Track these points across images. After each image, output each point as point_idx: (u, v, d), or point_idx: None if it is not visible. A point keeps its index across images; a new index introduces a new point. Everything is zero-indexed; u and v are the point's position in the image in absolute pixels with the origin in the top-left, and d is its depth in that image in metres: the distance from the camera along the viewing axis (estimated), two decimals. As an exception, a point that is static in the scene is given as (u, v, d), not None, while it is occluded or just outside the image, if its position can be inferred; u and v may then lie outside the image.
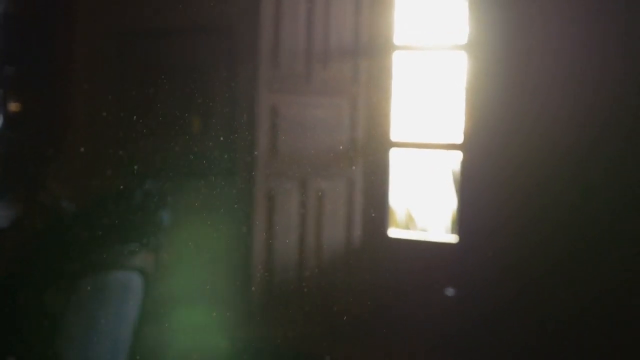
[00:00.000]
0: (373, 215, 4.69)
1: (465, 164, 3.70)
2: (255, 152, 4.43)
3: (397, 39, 4.69)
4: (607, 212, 3.49)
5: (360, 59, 4.66)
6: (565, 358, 3.57)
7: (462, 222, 3.72)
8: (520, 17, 3.60)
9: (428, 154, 4.90)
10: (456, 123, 3.75)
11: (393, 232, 4.74)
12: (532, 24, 3.57)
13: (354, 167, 4.66)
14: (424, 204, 5.09)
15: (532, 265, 3.57)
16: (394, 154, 4.75)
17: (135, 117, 4.42)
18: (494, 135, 3.61)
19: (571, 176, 3.51)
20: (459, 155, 3.82)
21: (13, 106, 4.44)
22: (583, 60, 3.53)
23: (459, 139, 3.83)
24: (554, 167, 3.53)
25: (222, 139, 4.44)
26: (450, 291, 3.83)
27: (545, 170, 3.54)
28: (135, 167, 4.21)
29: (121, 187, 4.02)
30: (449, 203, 4.47)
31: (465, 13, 3.69)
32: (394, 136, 4.70)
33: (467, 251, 3.69)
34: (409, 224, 5.34)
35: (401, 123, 4.79)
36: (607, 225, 3.49)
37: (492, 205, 3.62)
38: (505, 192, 3.59)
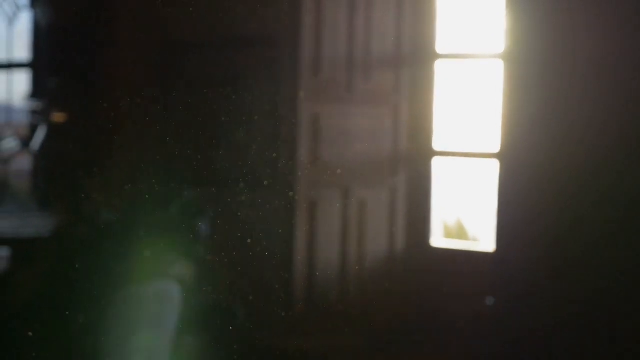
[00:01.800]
0: (415, 224, 4.68)
1: (502, 173, 3.66)
2: (297, 161, 4.44)
3: (439, 48, 4.67)
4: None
5: (402, 67, 4.65)
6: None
7: (499, 232, 3.69)
8: (559, 26, 3.57)
9: (473, 163, 4.86)
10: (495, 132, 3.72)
11: (436, 242, 4.71)
12: (570, 33, 3.54)
13: (396, 176, 4.64)
14: (474, 213, 5.06)
15: (569, 274, 3.53)
16: (438, 163, 4.73)
17: (178, 127, 4.45)
18: (531, 144, 3.57)
19: (609, 185, 3.47)
20: (495, 164, 3.79)
21: (57, 117, 4.50)
22: (623, 70, 3.48)
23: (496, 148, 3.80)
24: (591, 176, 3.49)
25: (264, 148, 4.45)
26: (490, 300, 3.80)
27: (583, 179, 3.50)
28: (177, 177, 4.24)
29: (161, 197, 4.04)
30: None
31: (503, 21, 3.66)
32: (436, 145, 4.68)
33: (503, 261, 3.66)
34: (461, 234, 5.30)
35: (444, 132, 4.76)
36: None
37: (529, 215, 3.58)
38: (542, 202, 3.56)
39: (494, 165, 3.85)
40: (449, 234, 5.27)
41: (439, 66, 4.68)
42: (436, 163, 4.70)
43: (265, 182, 4.42)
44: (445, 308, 4.53)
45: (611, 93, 3.48)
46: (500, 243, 3.69)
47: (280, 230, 4.44)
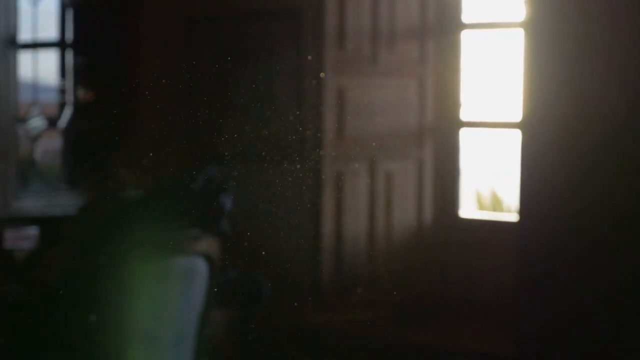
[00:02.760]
0: (444, 196, 4.66)
1: (524, 143, 3.63)
2: (323, 135, 4.43)
3: (465, 17, 4.63)
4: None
5: (427, 38, 4.61)
6: (629, 340, 3.50)
7: (522, 202, 3.66)
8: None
9: (502, 133, 4.83)
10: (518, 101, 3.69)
11: (465, 213, 4.69)
12: (592, 2, 3.49)
13: (423, 148, 4.62)
14: (507, 184, 5.02)
15: (591, 244, 3.51)
16: (466, 134, 4.70)
17: (202, 102, 4.45)
18: (552, 113, 3.54)
19: (632, 153, 3.43)
20: (517, 134, 3.76)
21: (83, 95, 4.51)
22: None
23: (518, 117, 3.77)
24: (614, 144, 3.45)
25: (289, 122, 4.45)
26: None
27: (605, 150, 3.46)
28: (202, 152, 4.25)
29: (187, 172, 4.05)
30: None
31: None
32: (463, 116, 4.65)
33: (527, 230, 3.63)
34: (496, 205, 5.27)
35: (470, 102, 4.73)
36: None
37: (551, 185, 3.55)
38: (564, 172, 3.52)
39: (511, 136, 3.82)
40: (482, 205, 5.24)
41: (464, 36, 4.64)
42: (464, 134, 4.67)
43: (291, 156, 4.42)
44: (471, 278, 4.52)
45: (636, 61, 3.43)
46: (523, 212, 3.66)
47: (307, 204, 4.43)
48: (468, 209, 4.78)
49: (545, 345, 3.66)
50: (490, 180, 5.20)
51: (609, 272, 3.48)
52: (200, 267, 3.92)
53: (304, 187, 4.42)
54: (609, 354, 3.55)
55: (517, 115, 3.78)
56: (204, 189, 3.99)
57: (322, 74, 4.37)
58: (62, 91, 4.58)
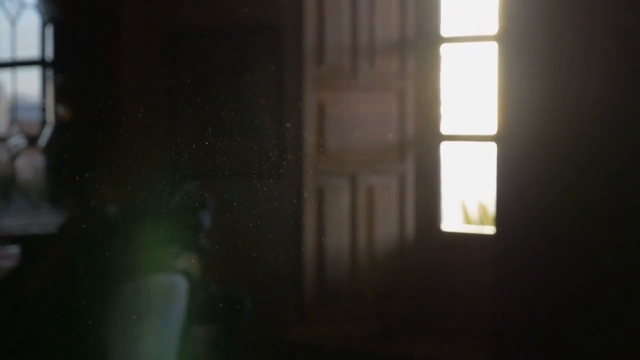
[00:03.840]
0: (425, 209, 4.66)
1: (500, 156, 3.64)
2: (304, 150, 4.44)
3: (443, 31, 4.64)
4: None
5: (407, 52, 4.62)
6: (608, 348, 3.51)
7: (498, 214, 3.67)
8: (555, 6, 3.54)
9: (484, 146, 4.84)
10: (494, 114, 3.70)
11: (447, 226, 4.69)
12: (567, 13, 3.51)
13: (404, 162, 4.63)
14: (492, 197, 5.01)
15: (568, 254, 3.52)
16: (448, 148, 4.70)
17: (182, 118, 4.46)
18: (528, 126, 3.55)
19: (607, 167, 3.44)
20: (493, 147, 3.77)
21: (63, 112, 4.52)
22: (620, 51, 3.45)
23: (493, 130, 3.78)
24: (588, 158, 3.46)
25: (270, 137, 4.45)
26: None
27: (580, 161, 3.47)
28: (183, 168, 4.25)
29: (168, 189, 4.05)
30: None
31: (498, 2, 3.63)
32: (444, 129, 4.66)
33: (504, 242, 3.64)
34: (483, 218, 5.28)
35: (451, 116, 4.74)
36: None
37: (527, 197, 3.56)
38: (539, 184, 3.54)
39: (493, 148, 3.82)
40: (469, 218, 5.24)
41: (444, 49, 4.65)
42: (445, 147, 4.67)
43: (272, 172, 4.43)
44: (456, 292, 4.53)
45: (610, 74, 3.45)
46: (500, 225, 3.68)
47: (289, 219, 4.44)
48: (450, 222, 4.79)
49: (522, 354, 3.67)
50: (477, 193, 5.21)
51: (587, 282, 3.49)
52: (180, 283, 3.92)
53: (285, 202, 4.43)
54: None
55: (493, 129, 3.80)
56: (183, 205, 3.99)
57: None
58: (43, 109, 4.59)
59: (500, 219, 3.68)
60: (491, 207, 5.15)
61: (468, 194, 5.16)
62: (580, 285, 3.54)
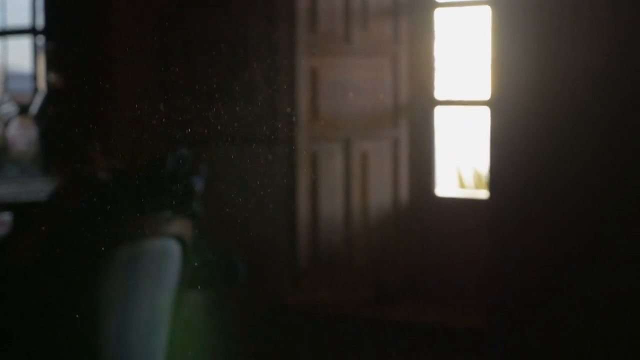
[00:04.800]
0: (419, 174, 4.65)
1: (493, 121, 3.63)
2: (297, 115, 4.42)
3: (437, -5, 4.63)
4: (634, 165, 3.40)
5: (400, 17, 4.60)
6: (603, 310, 3.51)
7: (492, 179, 3.66)
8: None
9: (479, 111, 4.82)
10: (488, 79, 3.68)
11: (440, 191, 4.68)
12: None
13: (398, 127, 4.61)
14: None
15: (561, 219, 3.51)
16: (442, 112, 4.69)
17: (175, 84, 4.44)
18: (521, 90, 3.53)
19: (600, 132, 3.43)
20: (487, 112, 3.76)
21: (55, 80, 4.49)
22: (611, 17, 3.44)
23: (486, 95, 3.76)
24: (582, 123, 3.45)
25: (263, 103, 4.44)
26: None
27: (573, 126, 3.46)
28: (173, 134, 4.24)
29: (159, 155, 4.04)
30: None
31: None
32: (437, 94, 4.64)
33: (498, 208, 3.64)
34: (478, 183, 5.27)
35: (445, 81, 4.72)
36: (633, 177, 3.41)
37: (521, 162, 3.55)
38: (533, 148, 3.53)
39: (486, 113, 3.80)
40: (464, 183, 5.24)
41: (437, 14, 4.63)
42: (439, 112, 4.66)
43: (265, 137, 4.41)
44: (450, 256, 4.52)
45: (605, 39, 3.43)
46: (493, 189, 3.67)
47: (282, 185, 4.43)
48: (445, 187, 4.78)
49: (516, 318, 3.67)
50: (471, 158, 5.20)
51: (581, 246, 3.49)
52: (174, 249, 3.91)
53: (278, 168, 4.42)
54: (579, 325, 3.56)
55: (487, 93, 3.78)
56: (176, 171, 3.98)
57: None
58: (34, 77, 4.56)
59: (493, 184, 3.67)
60: (485, 172, 5.15)
61: (462, 159, 5.15)
62: (574, 248, 3.54)
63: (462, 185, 5.23)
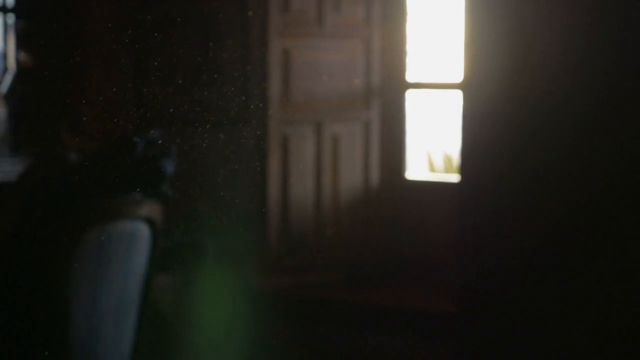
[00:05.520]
0: (390, 158, 4.65)
1: (465, 104, 3.63)
2: (269, 97, 4.41)
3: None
4: (608, 152, 3.42)
5: (373, -1, 4.59)
6: (575, 297, 3.53)
7: (463, 162, 3.66)
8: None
9: (450, 95, 4.83)
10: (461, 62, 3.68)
11: (411, 174, 4.68)
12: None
13: (369, 110, 4.60)
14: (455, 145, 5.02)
15: (531, 202, 3.52)
16: (414, 95, 4.69)
17: (145, 65, 4.41)
18: (494, 74, 3.53)
19: (572, 115, 3.44)
20: (459, 95, 3.75)
21: (25, 59, 4.45)
22: (585, 3, 3.44)
23: (459, 78, 3.76)
24: (555, 107, 3.46)
25: (235, 85, 4.42)
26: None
27: (546, 110, 3.47)
28: (143, 117, 4.22)
29: (127, 137, 4.02)
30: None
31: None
32: (409, 77, 4.64)
33: (469, 192, 3.64)
34: (447, 167, 5.28)
35: (417, 64, 4.72)
36: (607, 165, 3.42)
37: (493, 146, 3.56)
38: (504, 132, 3.53)
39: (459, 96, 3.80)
40: (434, 166, 5.25)
41: (410, -3, 4.63)
42: (410, 95, 4.65)
43: (237, 119, 4.40)
44: (421, 240, 4.53)
45: (583, 18, 3.43)
46: (464, 173, 3.67)
47: (253, 167, 4.42)
48: (415, 170, 4.78)
49: (488, 302, 3.68)
50: (442, 142, 5.21)
51: (553, 232, 3.50)
52: (143, 231, 3.89)
53: (250, 151, 4.41)
54: (551, 309, 3.58)
55: (459, 76, 3.78)
56: (146, 153, 3.96)
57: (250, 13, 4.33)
58: (4, 56, 4.52)
59: (464, 168, 3.68)
60: (456, 155, 5.16)
61: (433, 143, 5.16)
62: (546, 233, 3.55)
63: (432, 168, 5.24)
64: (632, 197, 3.40)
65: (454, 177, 4.63)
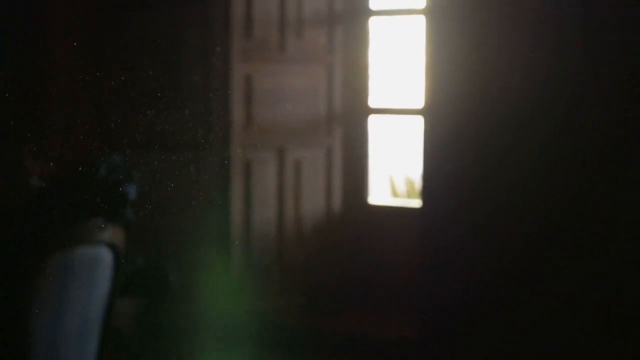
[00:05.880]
0: (353, 183, 4.66)
1: (426, 129, 3.65)
2: (231, 122, 4.41)
3: (372, 4, 4.63)
4: (573, 176, 3.45)
5: (335, 25, 4.61)
6: (528, 328, 3.55)
7: (425, 187, 3.68)
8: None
9: (413, 120, 4.85)
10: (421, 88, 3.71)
11: (374, 200, 4.70)
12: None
13: (332, 135, 4.62)
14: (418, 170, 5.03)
15: (493, 228, 3.54)
16: (376, 121, 4.70)
17: (108, 89, 4.40)
18: (454, 100, 3.57)
19: (534, 141, 3.47)
20: (420, 120, 3.78)
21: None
22: (549, 24, 3.48)
23: (420, 104, 3.79)
24: (516, 132, 3.49)
25: (197, 109, 4.42)
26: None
27: (506, 135, 3.50)
28: (106, 141, 4.20)
29: (90, 161, 4.00)
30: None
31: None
32: (372, 103, 4.66)
33: (430, 216, 3.66)
34: (410, 192, 5.30)
35: (380, 89, 4.74)
36: (572, 187, 3.45)
37: (454, 170, 3.58)
38: (465, 157, 3.56)
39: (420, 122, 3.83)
40: (396, 192, 5.26)
41: (372, 23, 4.64)
42: (373, 121, 4.67)
43: (199, 145, 4.39)
44: (383, 264, 4.54)
45: (533, 48, 3.47)
46: (427, 198, 3.69)
47: (216, 193, 4.41)
48: (377, 196, 4.80)
49: (448, 328, 3.69)
50: (404, 167, 5.23)
51: (511, 256, 3.52)
52: (105, 256, 3.87)
53: (212, 175, 4.40)
54: (511, 337, 3.59)
55: (420, 102, 3.81)
56: (108, 178, 3.94)
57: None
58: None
59: (426, 193, 3.70)
60: (418, 180, 5.19)
61: (395, 168, 5.18)
62: (508, 258, 3.57)
63: (394, 193, 5.26)
64: (596, 223, 3.43)
65: (416, 202, 4.65)
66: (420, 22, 4.11)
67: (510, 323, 3.60)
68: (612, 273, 3.45)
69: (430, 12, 3.63)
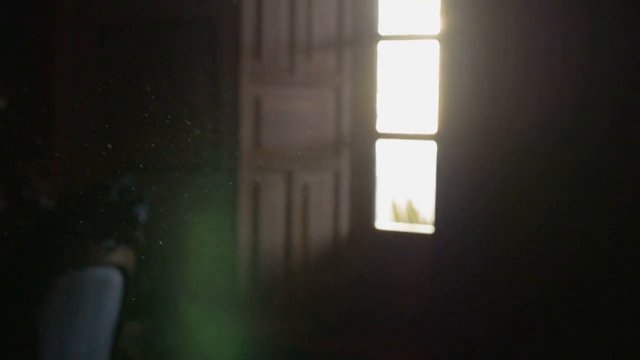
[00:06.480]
0: (360, 207, 4.65)
1: (439, 155, 3.65)
2: (240, 146, 4.40)
3: (381, 29, 4.64)
4: (584, 204, 3.44)
5: (344, 49, 4.61)
6: (541, 348, 3.54)
7: (438, 213, 3.68)
8: (494, 7, 3.56)
9: (419, 145, 4.85)
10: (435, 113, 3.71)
11: (381, 224, 4.69)
12: (505, 14, 3.53)
13: (340, 159, 4.61)
14: (424, 196, 5.04)
15: (506, 255, 3.54)
16: (383, 145, 4.70)
17: (118, 111, 4.41)
18: (468, 125, 3.56)
19: (547, 167, 3.47)
20: (433, 146, 3.78)
21: (-4, 102, 4.43)
22: (558, 51, 3.49)
23: (433, 129, 3.79)
24: (529, 158, 3.49)
25: (206, 132, 4.42)
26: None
27: (520, 161, 3.50)
28: (115, 162, 4.20)
29: (100, 182, 4.00)
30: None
31: (438, 1, 3.64)
32: (380, 127, 4.66)
33: (443, 242, 3.65)
34: (411, 217, 5.30)
35: (388, 114, 4.74)
36: (582, 218, 3.45)
37: (466, 196, 3.58)
38: (479, 183, 3.55)
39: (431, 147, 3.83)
40: (398, 216, 5.26)
41: (381, 47, 4.65)
42: (380, 145, 4.67)
43: (208, 167, 4.39)
44: (389, 290, 4.53)
45: (547, 74, 3.48)
46: (438, 224, 3.68)
47: (224, 216, 4.40)
48: (384, 221, 4.79)
49: (458, 354, 3.68)
50: (406, 192, 5.23)
51: (525, 283, 3.51)
52: (115, 278, 3.86)
53: (220, 198, 4.39)
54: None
55: (433, 127, 3.80)
56: (118, 199, 3.94)
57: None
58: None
59: (439, 219, 3.68)
60: (420, 206, 5.18)
61: (398, 193, 5.17)
62: (520, 286, 3.56)
63: (397, 218, 5.26)
64: (612, 252, 3.41)
65: (425, 228, 4.64)
66: (433, 47, 4.12)
67: (524, 351, 3.59)
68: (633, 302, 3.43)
69: (445, 38, 3.63)
